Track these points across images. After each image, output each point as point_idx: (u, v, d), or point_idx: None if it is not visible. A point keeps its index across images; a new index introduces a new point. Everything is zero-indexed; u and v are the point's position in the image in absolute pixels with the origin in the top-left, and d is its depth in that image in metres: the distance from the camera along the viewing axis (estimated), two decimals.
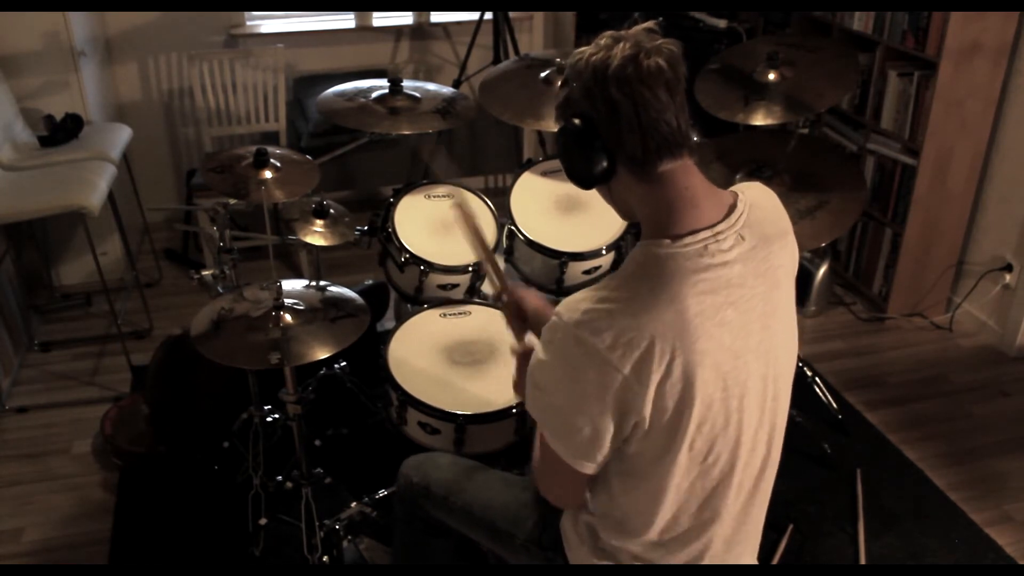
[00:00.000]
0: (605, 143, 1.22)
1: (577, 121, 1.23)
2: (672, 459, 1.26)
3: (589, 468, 1.29)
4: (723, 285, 1.22)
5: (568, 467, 1.30)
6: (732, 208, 1.27)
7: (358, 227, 2.37)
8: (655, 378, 1.19)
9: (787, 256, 1.32)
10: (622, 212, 1.34)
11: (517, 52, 3.83)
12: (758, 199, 1.31)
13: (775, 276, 1.29)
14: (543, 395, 1.28)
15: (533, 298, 1.67)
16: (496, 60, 3.78)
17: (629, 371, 1.18)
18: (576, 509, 1.45)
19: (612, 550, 1.40)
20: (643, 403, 1.20)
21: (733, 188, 1.33)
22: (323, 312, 1.90)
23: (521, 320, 1.66)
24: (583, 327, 1.19)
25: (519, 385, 1.66)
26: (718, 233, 1.23)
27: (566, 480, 1.35)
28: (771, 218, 1.31)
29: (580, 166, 1.26)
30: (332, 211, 2.33)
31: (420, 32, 4.16)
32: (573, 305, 1.22)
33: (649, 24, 1.24)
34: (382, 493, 2.22)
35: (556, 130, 1.29)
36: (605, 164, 1.24)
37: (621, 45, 1.19)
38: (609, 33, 1.23)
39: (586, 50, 1.23)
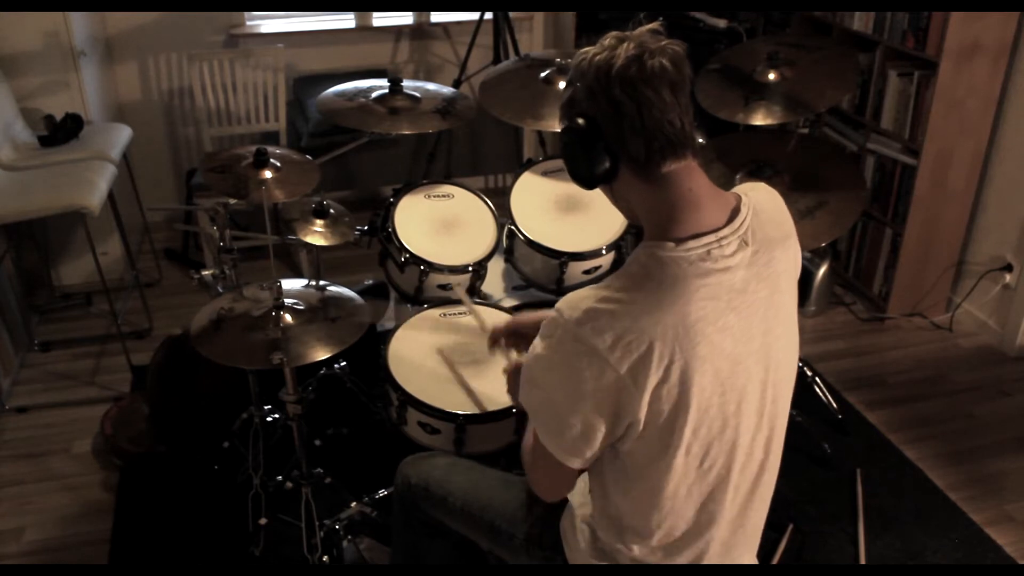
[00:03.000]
0: (608, 143, 1.22)
1: (581, 121, 1.23)
2: (668, 463, 1.26)
3: (576, 464, 1.29)
4: (725, 291, 1.22)
5: (556, 462, 1.30)
6: (735, 211, 1.26)
7: (358, 227, 2.37)
8: (652, 382, 1.19)
9: (790, 260, 1.32)
10: (626, 212, 1.34)
11: (517, 52, 3.83)
12: (762, 202, 1.31)
13: (777, 281, 1.28)
14: (538, 390, 1.28)
15: (526, 316, 1.77)
16: (496, 60, 3.78)
17: (626, 372, 1.18)
18: (559, 500, 1.46)
19: (611, 551, 1.40)
20: (638, 405, 1.20)
21: (737, 190, 1.32)
22: (323, 312, 1.90)
23: (524, 338, 1.74)
24: (584, 325, 1.19)
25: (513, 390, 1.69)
26: (722, 238, 1.22)
27: (553, 474, 1.35)
28: (775, 221, 1.30)
29: (583, 166, 1.25)
30: (332, 211, 2.33)
31: (420, 32, 4.16)
32: (575, 303, 1.22)
33: (654, 25, 1.24)
34: (382, 493, 2.22)
35: (559, 130, 1.29)
36: (608, 164, 1.23)
37: (625, 45, 1.19)
38: (613, 34, 1.23)
39: (590, 50, 1.23)
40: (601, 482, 1.36)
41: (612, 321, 1.18)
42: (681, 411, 1.22)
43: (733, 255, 1.23)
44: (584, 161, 1.25)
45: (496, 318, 2.13)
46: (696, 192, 1.23)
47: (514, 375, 1.66)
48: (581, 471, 1.37)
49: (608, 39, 1.22)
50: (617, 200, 1.32)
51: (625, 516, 1.35)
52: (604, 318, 1.19)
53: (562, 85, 2.06)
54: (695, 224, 1.22)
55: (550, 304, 1.30)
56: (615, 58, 1.18)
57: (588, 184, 1.28)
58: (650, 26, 1.23)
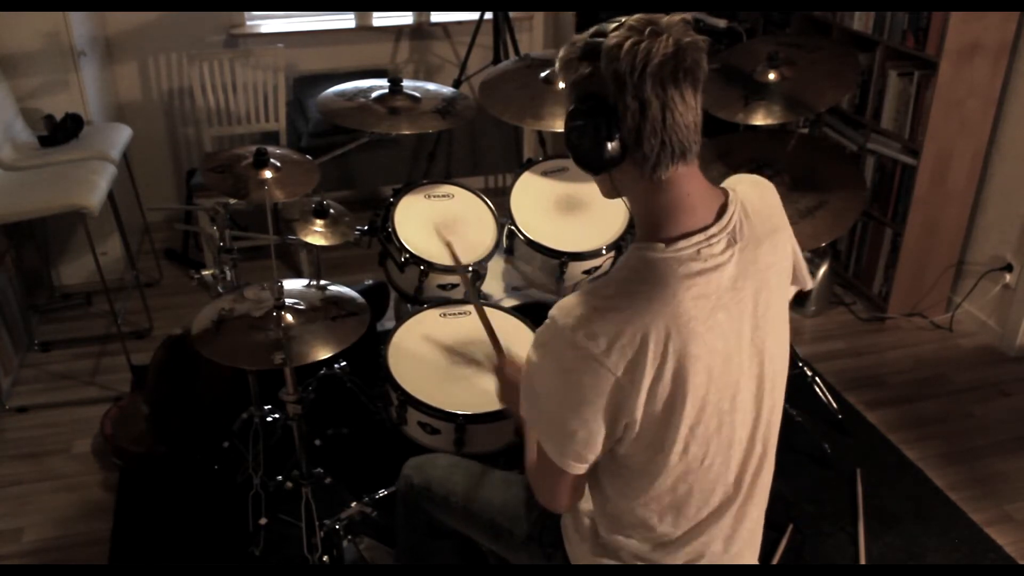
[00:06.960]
0: (623, 136, 1.18)
1: (601, 105, 1.18)
2: (664, 461, 1.26)
3: (580, 469, 1.29)
4: (715, 288, 1.22)
5: (561, 470, 1.30)
6: (723, 208, 1.25)
7: (358, 227, 2.37)
8: (647, 381, 1.19)
9: (778, 255, 1.31)
10: (607, 193, 1.30)
11: (517, 52, 3.83)
12: (749, 197, 1.29)
13: (765, 276, 1.28)
14: (538, 399, 1.28)
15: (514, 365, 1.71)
16: (496, 60, 3.78)
17: (623, 374, 1.18)
18: (569, 512, 1.45)
19: (614, 548, 1.40)
20: (635, 405, 1.20)
21: (725, 183, 1.31)
22: (323, 312, 1.90)
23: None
24: (578, 331, 1.19)
25: (504, 395, 1.67)
26: (711, 236, 1.22)
27: (560, 482, 1.35)
28: (762, 216, 1.29)
29: (589, 149, 1.20)
30: (332, 211, 2.33)
31: (420, 32, 4.16)
32: (568, 309, 1.22)
33: (687, 16, 1.18)
34: (382, 493, 2.22)
35: (571, 103, 1.22)
36: (615, 155, 1.19)
37: (664, 40, 1.14)
38: (644, 18, 1.17)
39: (622, 34, 1.16)
40: (599, 484, 1.37)
41: (605, 325, 1.18)
42: (676, 410, 1.22)
43: (722, 253, 1.23)
44: (592, 144, 1.19)
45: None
46: (692, 196, 1.23)
47: (504, 380, 1.68)
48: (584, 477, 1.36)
49: (645, 27, 1.15)
50: (610, 180, 1.27)
51: (625, 514, 1.35)
52: (597, 323, 1.19)
53: (562, 85, 2.05)
54: (685, 225, 1.22)
55: (550, 304, 1.30)
56: (653, 54, 1.13)
57: (589, 167, 1.23)
58: (682, 16, 1.18)
